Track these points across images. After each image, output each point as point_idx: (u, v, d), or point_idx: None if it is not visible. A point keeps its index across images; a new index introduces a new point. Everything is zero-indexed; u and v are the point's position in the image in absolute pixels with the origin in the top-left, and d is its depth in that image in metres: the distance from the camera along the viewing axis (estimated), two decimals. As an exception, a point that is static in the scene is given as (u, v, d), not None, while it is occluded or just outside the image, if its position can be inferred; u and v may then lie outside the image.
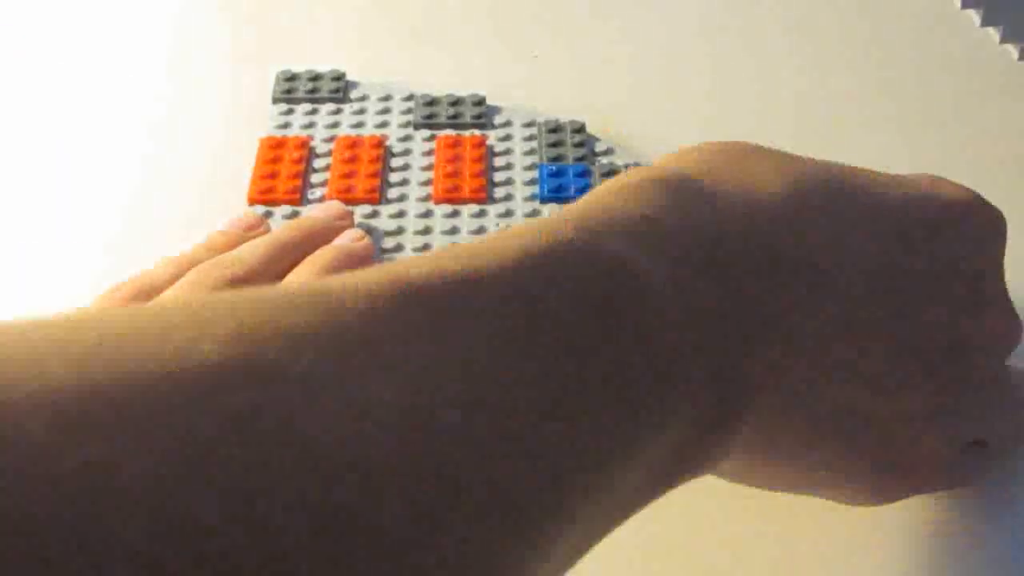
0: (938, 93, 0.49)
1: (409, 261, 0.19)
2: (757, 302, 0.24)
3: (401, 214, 0.40)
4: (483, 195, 0.41)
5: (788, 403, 0.25)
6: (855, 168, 0.29)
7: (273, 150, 0.43)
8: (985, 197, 0.31)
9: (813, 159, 0.29)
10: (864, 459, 0.27)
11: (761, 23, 0.54)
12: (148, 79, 0.49)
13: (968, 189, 0.30)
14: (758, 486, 0.29)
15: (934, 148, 0.46)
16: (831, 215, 0.27)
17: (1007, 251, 0.31)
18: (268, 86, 0.47)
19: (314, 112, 0.45)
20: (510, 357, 0.18)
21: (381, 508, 0.15)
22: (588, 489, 0.19)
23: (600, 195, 0.24)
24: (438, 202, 0.41)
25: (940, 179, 0.30)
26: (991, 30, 0.51)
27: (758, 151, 0.28)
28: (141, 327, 0.15)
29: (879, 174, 0.29)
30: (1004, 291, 0.30)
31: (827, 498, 0.29)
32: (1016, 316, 0.30)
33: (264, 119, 0.45)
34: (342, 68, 0.47)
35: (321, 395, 0.15)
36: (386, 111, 0.45)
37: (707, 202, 0.25)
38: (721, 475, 0.27)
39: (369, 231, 0.39)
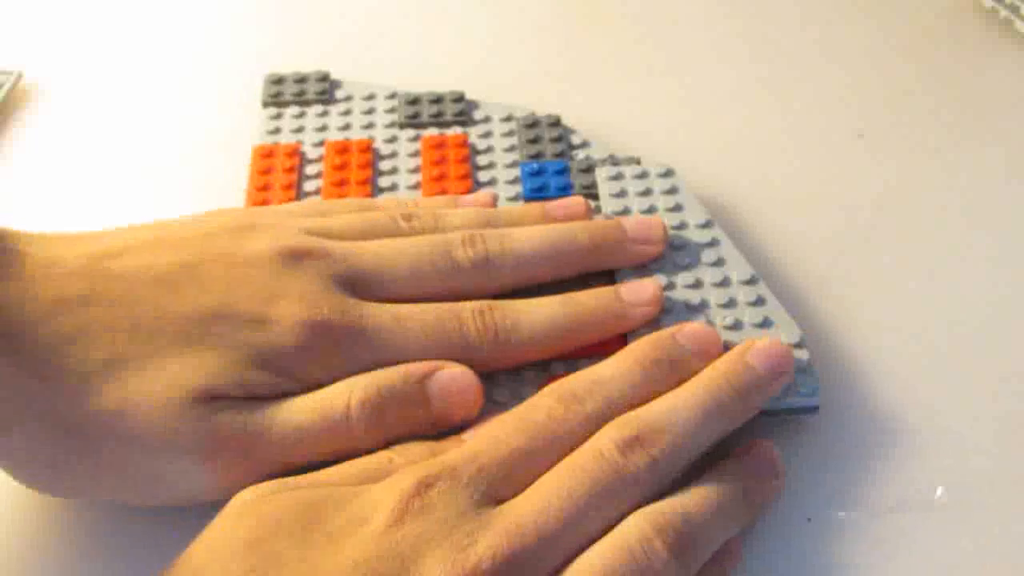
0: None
1: None
2: None
3: (393, 220, 0.43)
4: (469, 197, 0.43)
5: None
6: None
7: (265, 159, 0.45)
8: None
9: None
10: None
11: (736, 14, 0.56)
12: (139, 87, 0.51)
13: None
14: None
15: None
16: None
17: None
18: (253, 89, 0.48)
19: (302, 115, 0.47)
20: None
21: None
22: None
23: None
24: (427, 205, 0.43)
25: None
26: None
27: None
28: None
29: None
30: None
31: None
32: None
33: (253, 123, 0.47)
34: (325, 68, 0.49)
35: None
36: (371, 111, 0.47)
37: None
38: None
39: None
